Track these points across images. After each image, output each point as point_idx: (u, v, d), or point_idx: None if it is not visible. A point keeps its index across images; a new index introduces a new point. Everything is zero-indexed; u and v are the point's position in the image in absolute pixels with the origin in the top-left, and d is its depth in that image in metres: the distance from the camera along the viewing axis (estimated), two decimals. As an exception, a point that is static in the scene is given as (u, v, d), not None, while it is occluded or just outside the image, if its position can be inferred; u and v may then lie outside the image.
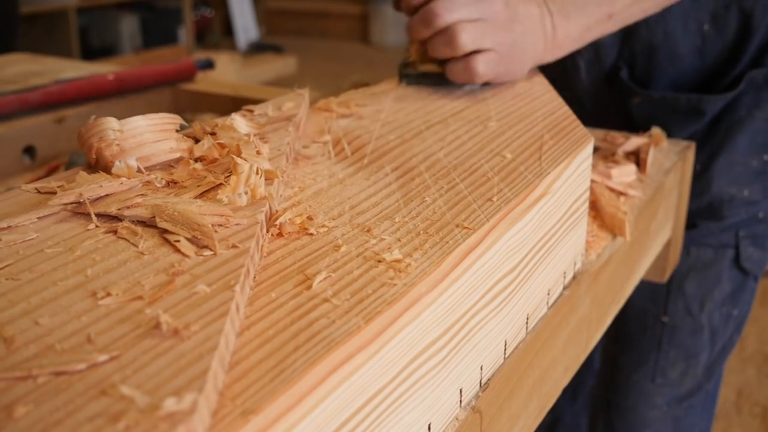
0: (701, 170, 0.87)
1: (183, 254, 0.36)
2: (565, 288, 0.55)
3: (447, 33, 0.65)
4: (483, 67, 0.64)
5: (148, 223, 0.39)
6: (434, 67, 0.69)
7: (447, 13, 0.64)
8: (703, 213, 0.88)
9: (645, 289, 0.91)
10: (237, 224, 0.39)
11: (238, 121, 0.51)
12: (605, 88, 0.91)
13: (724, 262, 0.89)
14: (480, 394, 0.44)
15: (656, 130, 0.79)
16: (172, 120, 0.48)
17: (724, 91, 0.85)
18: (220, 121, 0.51)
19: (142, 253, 0.36)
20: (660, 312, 0.92)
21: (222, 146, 0.47)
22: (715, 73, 0.86)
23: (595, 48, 0.86)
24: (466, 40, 0.64)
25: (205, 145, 0.47)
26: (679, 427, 0.97)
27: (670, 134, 0.85)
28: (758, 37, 0.84)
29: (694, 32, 0.84)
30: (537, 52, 0.68)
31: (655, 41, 0.84)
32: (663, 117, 0.85)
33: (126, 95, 0.92)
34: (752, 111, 0.85)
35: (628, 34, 0.86)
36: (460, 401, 0.42)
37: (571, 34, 0.69)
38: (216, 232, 0.37)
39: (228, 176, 0.43)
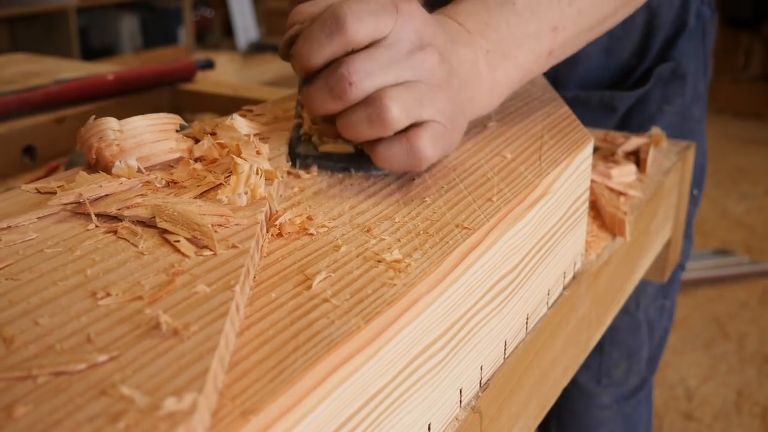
0: None
1: (183, 254, 0.36)
2: (564, 288, 0.55)
3: (370, 106, 0.44)
4: (430, 146, 0.45)
5: (147, 224, 0.39)
6: (341, 145, 0.49)
7: (366, 79, 0.44)
8: None
9: None
10: (237, 224, 0.39)
11: (239, 121, 0.51)
12: None
13: None
14: (480, 394, 0.44)
15: (656, 131, 0.79)
16: (171, 120, 0.48)
17: (633, 87, 0.86)
18: (219, 121, 0.51)
19: (142, 253, 0.36)
20: None
21: (222, 146, 0.47)
22: (622, 71, 0.87)
23: None
24: (399, 113, 0.44)
25: (205, 145, 0.47)
26: (630, 422, 0.99)
27: None
28: (663, 33, 0.85)
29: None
30: (474, 107, 0.52)
31: None
32: (576, 116, 0.85)
33: (126, 95, 0.92)
34: (662, 106, 0.86)
35: None
36: (460, 401, 0.42)
37: (510, 76, 0.54)
38: (216, 232, 0.38)
39: (228, 176, 0.43)
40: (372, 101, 0.44)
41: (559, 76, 0.87)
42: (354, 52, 0.44)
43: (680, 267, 0.95)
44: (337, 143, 0.49)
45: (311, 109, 0.46)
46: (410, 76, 0.45)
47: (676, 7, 0.86)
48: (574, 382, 0.97)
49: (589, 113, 0.86)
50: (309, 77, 0.46)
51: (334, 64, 0.45)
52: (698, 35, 0.88)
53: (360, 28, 0.44)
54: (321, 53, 0.44)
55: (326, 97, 0.45)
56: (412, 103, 0.45)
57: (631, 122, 0.87)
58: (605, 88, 0.87)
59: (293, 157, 0.49)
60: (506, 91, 0.54)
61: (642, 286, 0.91)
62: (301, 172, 0.48)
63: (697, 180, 0.93)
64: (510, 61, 0.53)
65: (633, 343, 0.94)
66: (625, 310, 0.92)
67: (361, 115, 0.45)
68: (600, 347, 0.94)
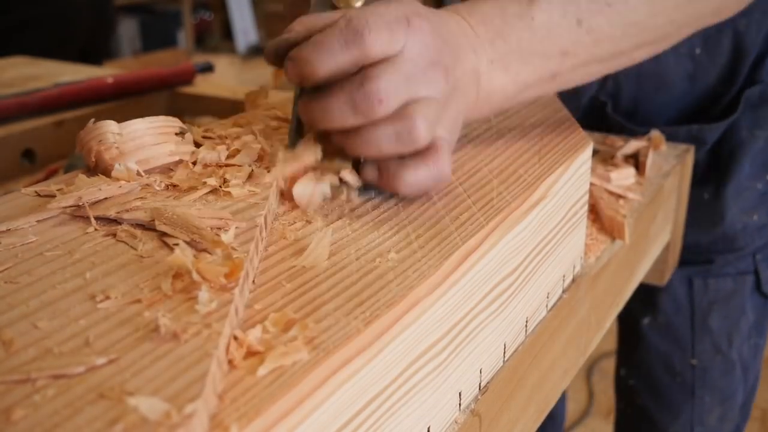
0: (710, 199, 0.83)
1: (181, 257, 0.36)
2: (564, 291, 0.55)
3: (398, 123, 0.43)
4: (449, 165, 0.45)
5: (147, 227, 0.39)
6: (336, 164, 0.46)
7: (394, 96, 0.43)
8: (718, 245, 0.84)
9: (667, 332, 0.87)
10: (236, 227, 0.39)
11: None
12: (582, 123, 0.87)
13: (745, 290, 0.85)
14: (479, 397, 0.44)
15: (655, 133, 0.79)
16: (171, 123, 0.48)
17: (720, 115, 0.81)
18: (222, 122, 0.51)
19: (141, 257, 0.36)
20: (687, 355, 0.87)
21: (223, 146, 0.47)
22: (707, 98, 0.82)
23: None
24: (426, 131, 0.43)
25: (206, 149, 0.47)
26: None
27: None
28: (752, 56, 0.80)
29: (686, 57, 0.80)
30: (467, 116, 0.50)
31: (643, 69, 0.76)
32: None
33: (125, 99, 0.92)
34: (753, 131, 0.81)
35: None
36: (460, 404, 0.42)
37: (507, 90, 0.51)
38: (216, 235, 0.37)
39: (224, 181, 0.43)
40: (401, 118, 0.43)
41: (639, 107, 0.82)
42: (365, 66, 0.43)
43: None
44: (333, 159, 0.46)
45: (322, 122, 0.44)
46: (425, 92, 0.44)
47: (765, 28, 0.79)
48: None
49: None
50: (307, 88, 0.45)
51: (357, 78, 0.42)
52: None
53: (377, 41, 0.42)
54: (331, 62, 0.42)
55: (347, 112, 0.43)
56: (433, 120, 0.44)
57: (721, 151, 0.81)
58: (690, 115, 0.82)
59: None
60: (500, 105, 0.52)
61: (735, 322, 0.86)
62: None
63: None
64: (510, 75, 0.51)
65: (727, 387, 0.88)
66: (716, 349, 0.86)
67: (387, 132, 0.43)
68: (691, 392, 0.88)
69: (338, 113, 0.43)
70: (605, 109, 0.82)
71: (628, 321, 0.93)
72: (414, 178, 0.44)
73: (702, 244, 0.84)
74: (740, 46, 0.78)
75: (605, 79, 0.80)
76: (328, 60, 0.42)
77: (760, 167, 0.82)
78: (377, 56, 0.43)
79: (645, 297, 0.88)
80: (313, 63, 0.42)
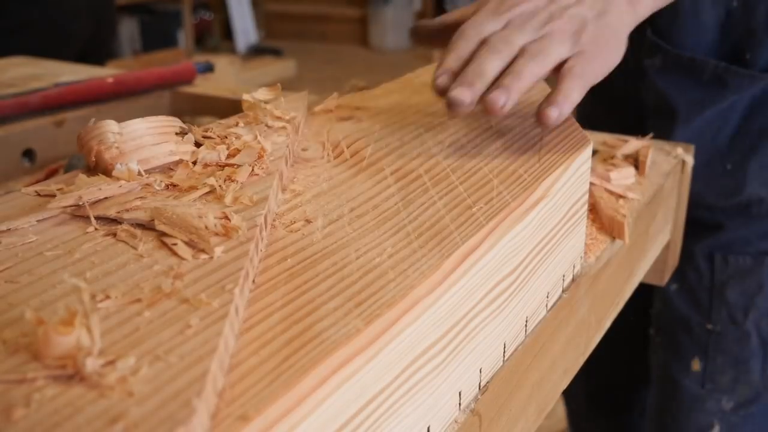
0: (732, 170, 0.84)
1: (180, 257, 0.36)
2: (564, 291, 0.55)
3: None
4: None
5: (147, 226, 0.39)
6: None
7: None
8: (731, 212, 0.86)
9: (688, 298, 0.91)
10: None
11: (241, 125, 0.51)
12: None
13: (763, 270, 0.87)
14: (479, 396, 0.44)
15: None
16: (171, 123, 0.48)
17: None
18: (222, 122, 0.51)
19: (141, 256, 0.36)
20: (704, 320, 0.91)
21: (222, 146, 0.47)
22: (736, 58, 0.80)
23: None
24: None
25: (206, 149, 0.47)
26: None
27: (688, 117, 0.81)
28: None
29: (720, 4, 0.80)
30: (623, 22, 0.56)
31: (680, 4, 0.79)
32: (680, 89, 0.81)
33: (125, 99, 0.92)
34: None
35: None
36: (459, 404, 0.42)
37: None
38: (216, 235, 0.38)
39: (228, 179, 0.43)
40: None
41: (671, 40, 0.82)
42: None
43: None
44: None
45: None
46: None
47: None
48: (676, 384, 0.94)
49: (693, 90, 0.80)
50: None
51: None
52: None
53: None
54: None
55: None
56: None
57: (751, 126, 0.81)
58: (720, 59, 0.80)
59: None
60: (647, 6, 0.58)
61: (751, 298, 0.88)
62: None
63: None
64: None
65: (740, 354, 0.90)
66: (731, 320, 0.89)
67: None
68: (704, 351, 0.91)
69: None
70: (645, 32, 0.82)
71: (659, 289, 0.96)
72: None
73: (714, 206, 0.86)
74: None
75: None
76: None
77: None
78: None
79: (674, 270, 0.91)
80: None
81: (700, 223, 0.88)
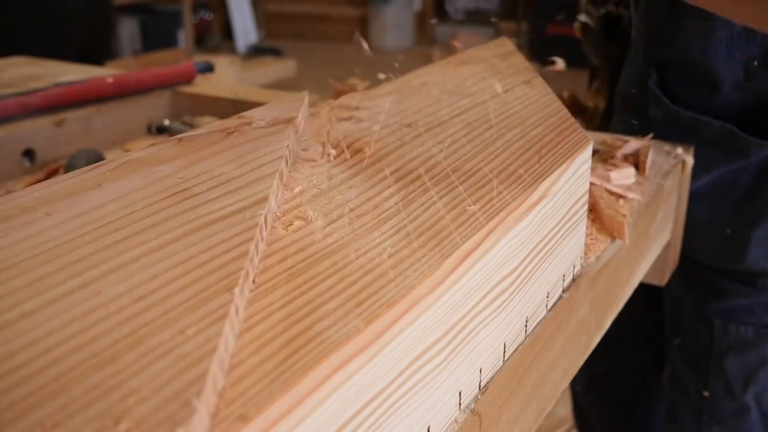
0: (731, 235, 0.79)
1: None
2: (564, 291, 0.55)
3: None
4: None
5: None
6: None
7: None
8: (734, 279, 0.82)
9: (688, 359, 0.87)
10: (236, 226, 0.39)
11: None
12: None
13: (767, 344, 0.83)
14: (479, 396, 0.44)
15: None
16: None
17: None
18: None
19: (142, 256, 0.36)
20: (700, 384, 0.87)
21: None
22: (758, 120, 0.75)
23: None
24: None
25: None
26: None
27: (708, 167, 0.76)
28: None
29: (738, 64, 0.74)
30: None
31: (690, 56, 0.74)
32: (684, 144, 0.77)
33: (125, 98, 0.92)
34: None
35: (656, 41, 0.75)
36: (459, 404, 0.42)
37: None
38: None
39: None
40: None
41: (681, 93, 0.78)
42: None
43: None
44: None
45: None
46: None
47: None
48: None
49: (700, 148, 0.75)
50: None
51: None
52: None
53: None
54: None
55: None
56: None
57: (762, 193, 0.75)
58: (739, 124, 0.75)
59: None
60: None
61: (752, 371, 0.83)
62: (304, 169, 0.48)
63: None
64: None
65: (738, 426, 0.86)
66: (728, 391, 0.84)
67: None
68: (699, 416, 0.87)
69: None
70: (647, 80, 0.78)
71: (661, 340, 0.93)
72: None
73: (714, 271, 0.82)
74: None
75: (653, 53, 0.76)
76: None
77: None
78: None
79: (672, 323, 0.88)
80: None
81: (702, 282, 0.84)
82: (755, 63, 0.74)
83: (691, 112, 0.76)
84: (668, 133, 0.77)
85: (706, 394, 0.87)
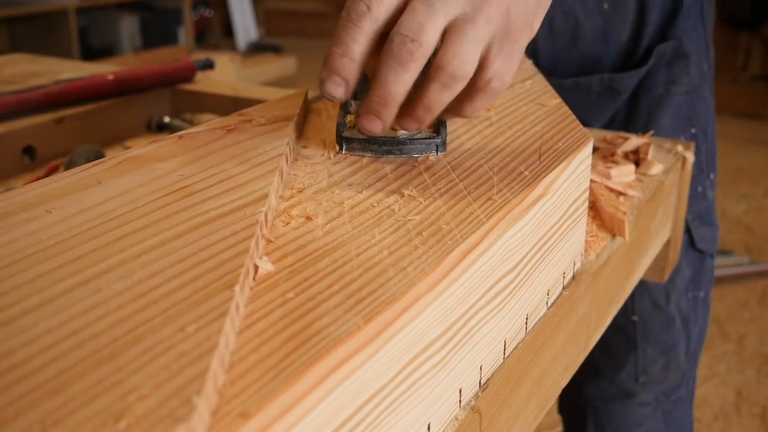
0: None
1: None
2: (564, 288, 0.55)
3: (488, 86, 0.47)
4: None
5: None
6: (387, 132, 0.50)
7: (473, 49, 0.45)
8: None
9: None
10: (236, 223, 0.39)
11: None
12: None
13: (682, 248, 0.89)
14: (479, 394, 0.44)
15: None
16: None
17: (634, 68, 0.85)
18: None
19: (142, 253, 0.36)
20: (629, 312, 0.92)
21: None
22: (622, 54, 0.86)
23: None
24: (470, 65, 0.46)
25: None
26: (670, 420, 0.97)
27: (588, 122, 0.84)
28: (657, 11, 0.84)
29: (594, 12, 0.83)
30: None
31: (555, 24, 0.82)
32: (578, 103, 0.83)
33: (126, 96, 0.92)
34: (669, 87, 0.85)
35: None
36: (460, 401, 0.42)
37: None
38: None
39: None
40: (488, 78, 0.46)
41: (558, 64, 0.86)
42: None
43: (710, 257, 0.93)
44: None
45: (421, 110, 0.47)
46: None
47: None
48: (610, 382, 0.96)
49: (593, 99, 0.85)
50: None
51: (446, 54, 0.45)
52: (697, 13, 0.87)
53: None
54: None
55: (445, 90, 0.46)
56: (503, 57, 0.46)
57: (638, 106, 0.86)
58: (606, 69, 0.86)
59: (340, 141, 0.51)
60: None
61: (670, 279, 0.89)
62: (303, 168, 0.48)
63: (711, 163, 0.91)
64: None
65: (668, 339, 0.93)
66: (655, 305, 0.91)
67: (482, 96, 0.47)
68: (633, 345, 0.93)
69: (436, 94, 0.46)
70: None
71: None
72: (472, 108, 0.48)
73: None
74: (644, 2, 0.83)
75: None
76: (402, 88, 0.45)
77: (684, 121, 0.86)
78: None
79: None
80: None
81: None
82: (605, 5, 0.83)
83: (570, 79, 0.84)
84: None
85: (635, 318, 0.92)
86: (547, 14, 0.63)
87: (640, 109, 0.86)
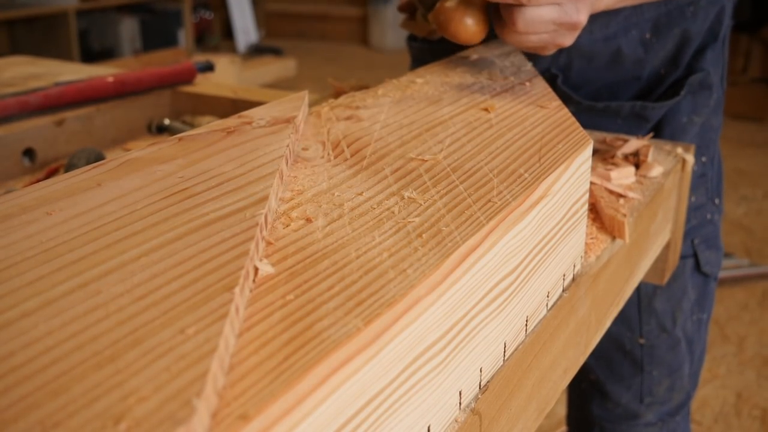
0: None
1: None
2: (564, 290, 0.55)
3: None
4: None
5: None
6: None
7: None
8: None
9: (617, 317, 0.93)
10: (236, 225, 0.39)
11: None
12: None
13: (686, 272, 0.90)
14: (479, 396, 0.44)
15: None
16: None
17: (662, 97, 0.85)
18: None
19: (142, 255, 0.36)
20: (635, 335, 0.94)
21: None
22: (652, 81, 0.86)
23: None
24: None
25: None
26: None
27: None
28: (695, 44, 0.85)
29: (636, 41, 0.84)
30: None
31: (595, 48, 0.83)
32: (603, 126, 0.85)
33: (125, 98, 0.92)
34: (691, 117, 0.86)
35: None
36: (460, 403, 0.42)
37: None
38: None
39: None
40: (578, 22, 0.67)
41: (588, 84, 0.86)
42: None
43: (714, 279, 0.94)
44: None
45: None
46: None
47: (710, 19, 0.85)
48: (617, 403, 0.97)
49: (619, 124, 0.85)
50: None
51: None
52: (721, 45, 0.88)
53: None
54: None
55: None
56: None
57: (662, 134, 0.86)
58: (635, 98, 0.87)
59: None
60: None
61: (677, 302, 0.91)
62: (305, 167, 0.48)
63: (717, 189, 0.92)
64: None
65: (673, 361, 0.94)
66: (662, 328, 0.92)
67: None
68: (640, 368, 0.95)
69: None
70: (556, 81, 0.86)
71: None
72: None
73: None
74: (687, 34, 0.84)
75: (559, 53, 0.84)
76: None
77: (697, 150, 0.86)
78: None
79: None
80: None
81: None
82: (647, 35, 0.84)
83: (602, 102, 0.85)
84: (583, 119, 0.85)
85: (642, 341, 0.93)
86: (590, 36, 0.80)
87: (664, 137, 0.86)
